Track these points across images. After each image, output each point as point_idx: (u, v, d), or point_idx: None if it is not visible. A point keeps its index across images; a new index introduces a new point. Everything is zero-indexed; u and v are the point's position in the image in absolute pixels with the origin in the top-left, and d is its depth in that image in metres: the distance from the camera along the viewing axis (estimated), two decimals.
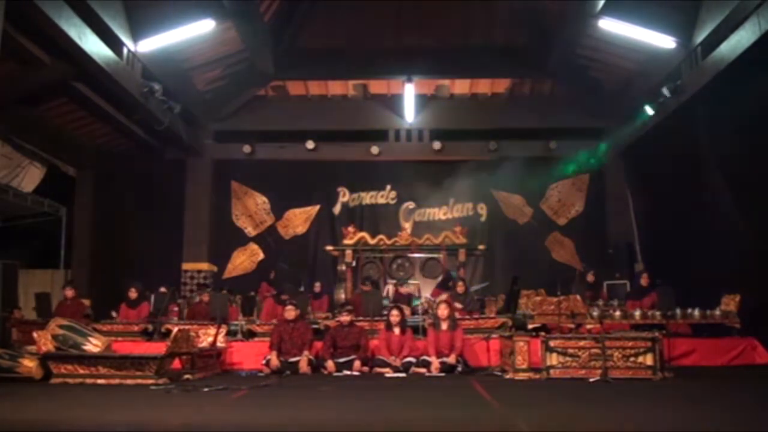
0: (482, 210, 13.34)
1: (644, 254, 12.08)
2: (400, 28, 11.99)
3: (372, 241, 11.26)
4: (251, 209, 13.38)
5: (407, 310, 8.90)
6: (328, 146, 13.10)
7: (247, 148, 12.83)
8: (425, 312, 9.19)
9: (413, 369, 7.43)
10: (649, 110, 10.48)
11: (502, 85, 13.00)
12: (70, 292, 9.40)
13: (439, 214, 13.36)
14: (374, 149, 12.86)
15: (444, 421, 4.36)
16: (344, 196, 13.49)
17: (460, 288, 9.47)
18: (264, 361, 7.61)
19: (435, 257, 11.33)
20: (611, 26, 9.60)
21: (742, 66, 8.14)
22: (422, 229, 12.48)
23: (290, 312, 7.91)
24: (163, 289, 10.24)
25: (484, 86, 13.05)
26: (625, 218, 12.58)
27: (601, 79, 12.21)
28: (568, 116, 12.74)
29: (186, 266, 12.55)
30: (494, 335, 8.18)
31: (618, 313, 8.38)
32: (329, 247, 11.87)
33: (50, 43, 8.11)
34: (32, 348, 7.01)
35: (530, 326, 7.77)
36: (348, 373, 7.46)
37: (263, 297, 10.64)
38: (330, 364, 7.52)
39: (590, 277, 10.79)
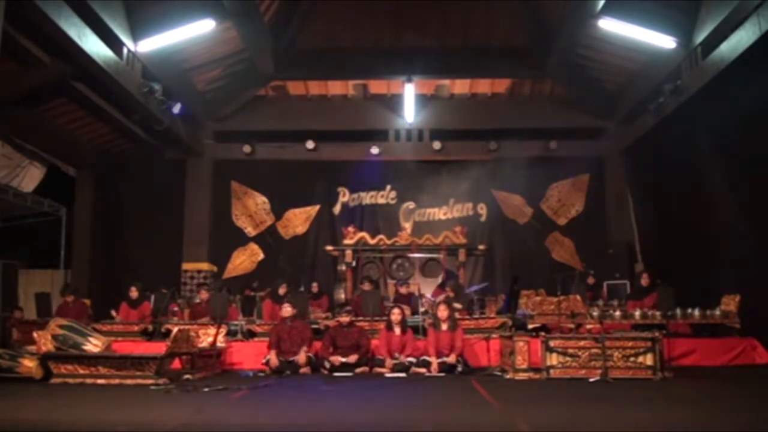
0: (482, 210, 13.33)
1: (644, 254, 12.08)
2: (400, 28, 11.97)
3: (372, 241, 11.25)
4: (251, 209, 13.37)
5: (408, 310, 8.91)
6: (328, 146, 13.09)
7: (247, 148, 12.82)
8: (425, 312, 9.19)
9: (413, 369, 7.44)
10: None
11: (502, 85, 12.99)
12: (70, 298, 9.39)
13: (439, 214, 13.35)
14: (374, 149, 12.84)
15: (444, 421, 4.36)
16: (344, 196, 13.48)
17: (449, 292, 9.50)
18: (264, 361, 7.62)
19: (435, 257, 11.32)
20: (611, 26, 9.59)
21: (742, 66, 8.13)
22: (422, 229, 12.47)
23: (286, 309, 7.92)
24: (164, 290, 10.24)
25: (484, 86, 13.03)
26: (625, 218, 12.58)
27: (601, 79, 12.20)
28: (568, 116, 12.73)
29: (186, 266, 12.53)
30: (494, 335, 8.19)
31: (618, 313, 8.38)
32: (329, 247, 11.86)
33: (50, 43, 8.10)
34: (32, 348, 7.02)
35: (530, 326, 7.77)
36: (344, 360, 7.53)
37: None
38: (335, 358, 7.52)
39: (591, 280, 10.82)
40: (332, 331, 8.01)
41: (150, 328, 9.00)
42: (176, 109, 10.41)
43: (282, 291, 9.76)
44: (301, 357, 7.55)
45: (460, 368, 7.35)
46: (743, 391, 5.99)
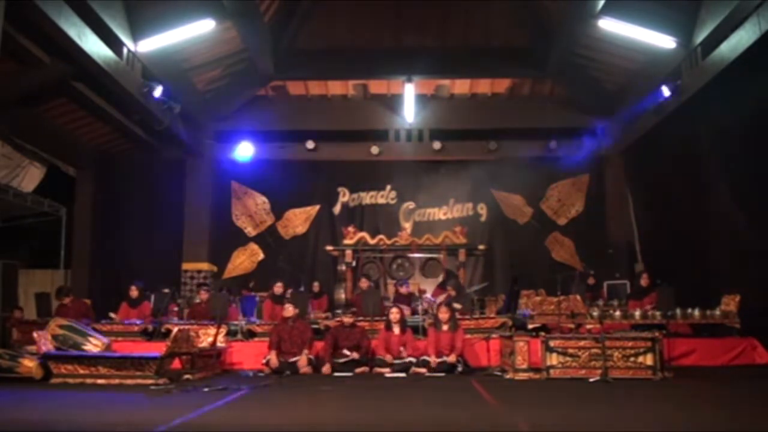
0: (482, 210, 13.33)
1: (644, 254, 12.08)
2: (400, 28, 11.97)
3: (372, 241, 11.25)
4: (251, 209, 13.37)
5: (407, 310, 8.91)
6: (328, 146, 13.08)
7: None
8: (425, 312, 9.19)
9: (413, 369, 7.44)
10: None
11: (502, 85, 12.99)
12: (67, 299, 9.39)
13: (439, 214, 13.35)
14: (374, 149, 12.84)
15: (444, 421, 4.36)
16: (344, 196, 13.48)
17: (450, 291, 9.49)
18: (264, 361, 7.62)
19: (435, 257, 11.32)
20: (611, 26, 9.59)
21: (742, 66, 8.14)
22: (422, 229, 12.47)
23: (288, 310, 7.92)
24: (165, 290, 10.25)
25: (484, 86, 13.03)
26: (625, 218, 12.57)
27: (601, 79, 12.20)
28: (568, 116, 12.73)
29: (186, 266, 12.53)
30: (494, 335, 8.19)
31: (618, 313, 8.38)
32: (329, 247, 11.85)
33: (50, 43, 8.11)
34: (32, 348, 7.02)
35: (530, 326, 7.77)
36: (346, 354, 7.56)
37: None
38: (326, 368, 7.51)
39: (591, 280, 10.82)
40: (334, 331, 8.01)
41: (150, 328, 9.00)
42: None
43: (278, 290, 9.73)
44: (302, 360, 7.55)
45: (460, 368, 7.35)
46: (743, 391, 5.99)
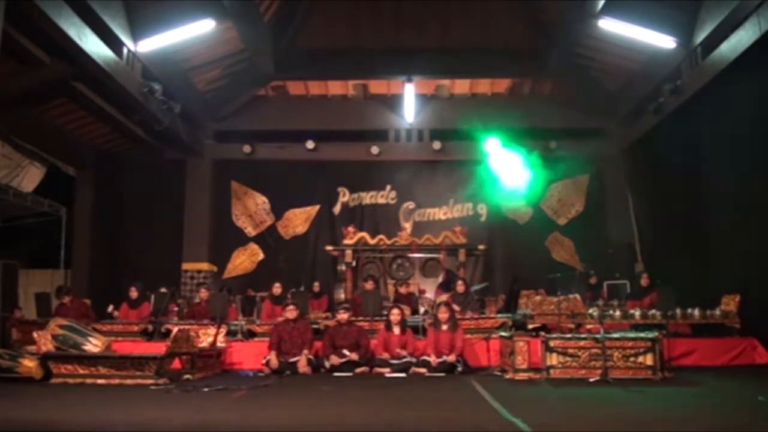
0: (482, 210, 13.33)
1: (644, 254, 12.08)
2: (400, 28, 11.98)
3: (372, 241, 11.25)
4: (251, 209, 13.37)
5: (407, 310, 8.91)
6: (328, 146, 13.08)
7: (247, 148, 12.82)
8: (425, 312, 9.19)
9: (413, 369, 7.43)
10: None
11: (502, 85, 13.00)
12: (66, 299, 9.38)
13: (439, 214, 13.35)
14: (374, 149, 12.84)
15: (444, 421, 4.36)
16: (344, 196, 13.48)
17: (460, 287, 9.47)
18: (264, 361, 7.62)
19: (435, 257, 11.32)
20: (611, 26, 9.60)
21: (742, 66, 8.14)
22: (422, 229, 12.47)
23: (291, 311, 7.92)
24: (163, 290, 10.24)
25: (484, 86, 13.04)
26: (625, 218, 12.58)
27: (601, 79, 12.20)
28: (568, 116, 12.73)
29: (186, 266, 12.53)
30: (494, 335, 8.19)
31: (618, 313, 8.38)
32: (329, 247, 11.86)
33: (50, 43, 8.11)
34: (32, 348, 7.03)
35: (530, 326, 7.77)
36: (346, 354, 7.56)
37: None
38: (334, 357, 7.52)
39: (593, 280, 10.82)
40: (332, 330, 8.01)
41: (150, 328, 9.00)
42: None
43: (276, 291, 9.72)
44: (302, 360, 7.55)
45: (460, 368, 7.35)
46: (743, 391, 5.99)
